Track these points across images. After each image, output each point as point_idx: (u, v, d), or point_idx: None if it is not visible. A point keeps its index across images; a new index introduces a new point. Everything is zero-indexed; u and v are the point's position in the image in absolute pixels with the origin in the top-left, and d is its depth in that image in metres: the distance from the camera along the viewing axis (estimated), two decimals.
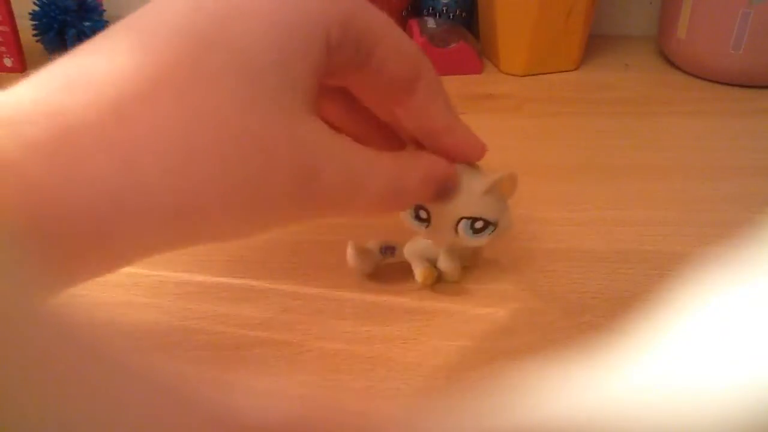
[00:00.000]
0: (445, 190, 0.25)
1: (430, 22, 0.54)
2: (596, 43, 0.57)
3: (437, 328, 0.27)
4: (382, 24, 0.22)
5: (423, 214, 0.26)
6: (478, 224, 0.26)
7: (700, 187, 0.37)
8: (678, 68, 0.55)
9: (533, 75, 0.53)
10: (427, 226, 0.27)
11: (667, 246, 0.32)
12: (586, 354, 0.16)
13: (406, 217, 0.27)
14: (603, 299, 0.29)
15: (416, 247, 0.29)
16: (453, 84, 0.51)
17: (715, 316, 0.15)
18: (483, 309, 0.28)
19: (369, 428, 0.16)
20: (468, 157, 0.26)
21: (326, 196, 0.21)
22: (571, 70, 0.55)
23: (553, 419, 0.15)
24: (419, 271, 0.29)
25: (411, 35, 0.54)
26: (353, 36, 0.21)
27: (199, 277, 0.30)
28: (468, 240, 0.26)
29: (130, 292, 0.29)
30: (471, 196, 0.26)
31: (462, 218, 0.26)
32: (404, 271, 0.29)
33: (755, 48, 0.49)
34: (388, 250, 0.29)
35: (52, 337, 0.10)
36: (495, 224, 0.27)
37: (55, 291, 0.18)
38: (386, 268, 0.30)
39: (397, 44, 0.22)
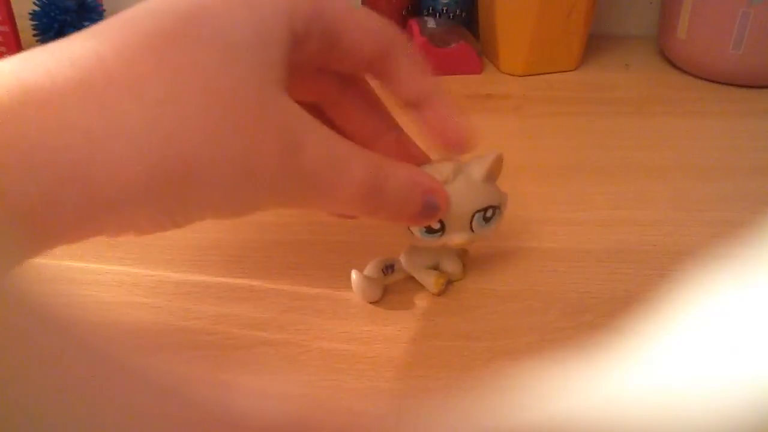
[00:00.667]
0: (433, 206, 0.24)
1: (430, 22, 0.54)
2: (596, 43, 0.57)
3: (437, 328, 0.27)
4: (345, 10, 0.23)
5: (436, 225, 0.26)
6: (489, 213, 0.26)
7: (700, 187, 0.37)
8: (678, 68, 0.54)
9: (533, 75, 0.53)
10: (441, 235, 0.26)
11: (667, 246, 0.32)
12: (586, 354, 0.16)
13: (417, 233, 0.26)
14: (603, 299, 0.29)
15: (414, 257, 0.29)
16: (453, 84, 0.51)
17: (714, 315, 0.15)
18: (482, 309, 0.28)
19: (369, 428, 0.16)
20: (459, 132, 0.25)
21: (308, 174, 0.21)
22: (571, 70, 0.55)
23: (553, 419, 0.15)
24: (433, 282, 0.29)
25: (411, 35, 0.53)
26: (319, 27, 0.22)
27: (198, 277, 0.30)
28: (483, 231, 0.26)
29: (130, 291, 0.29)
30: (475, 187, 0.26)
31: (475, 212, 0.26)
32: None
33: (755, 48, 0.49)
34: (389, 268, 0.29)
35: (48, 336, 0.10)
36: (499, 207, 0.27)
37: (29, 254, 0.18)
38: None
39: (362, 25, 0.24)
